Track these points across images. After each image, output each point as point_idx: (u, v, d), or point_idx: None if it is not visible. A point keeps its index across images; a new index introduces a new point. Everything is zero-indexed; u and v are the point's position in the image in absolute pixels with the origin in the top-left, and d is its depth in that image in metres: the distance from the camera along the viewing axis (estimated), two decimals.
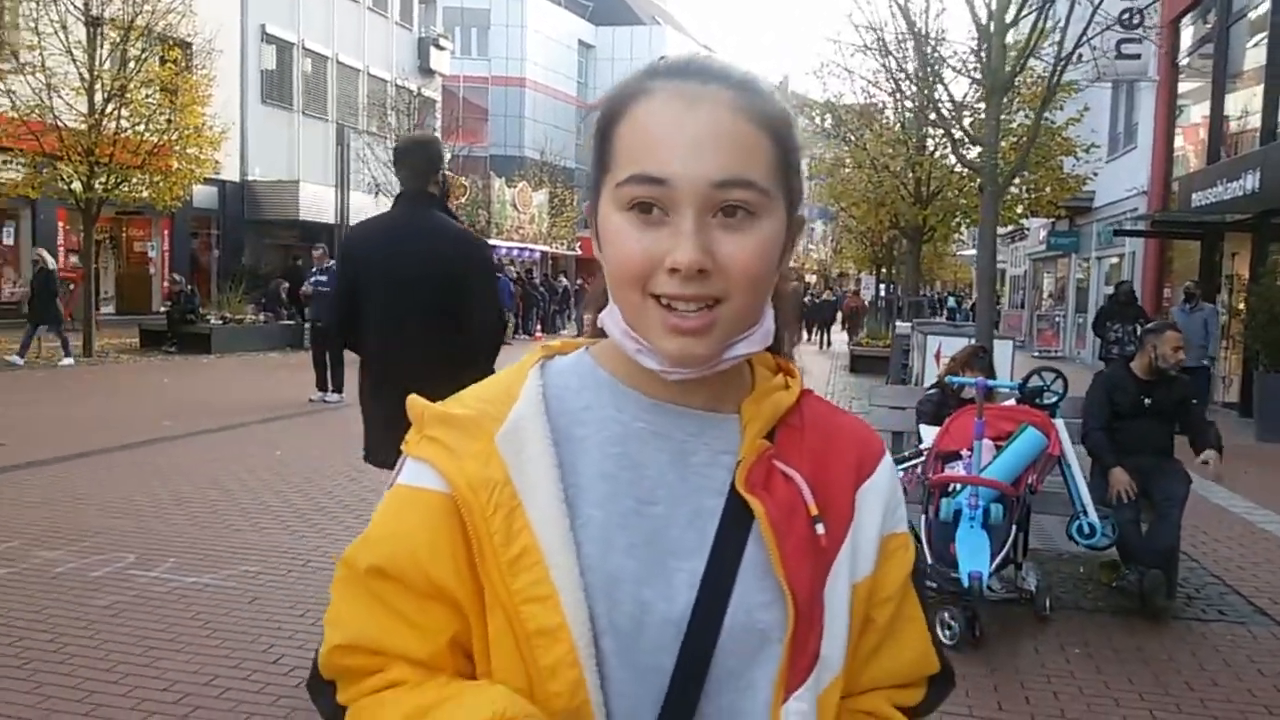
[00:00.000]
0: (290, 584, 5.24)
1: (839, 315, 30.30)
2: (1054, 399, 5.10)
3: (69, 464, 8.09)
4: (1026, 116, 12.24)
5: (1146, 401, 5.33)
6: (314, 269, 12.96)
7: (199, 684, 3.93)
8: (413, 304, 3.69)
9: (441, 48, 35.27)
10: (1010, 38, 8.12)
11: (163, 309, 22.95)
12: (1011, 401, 5.26)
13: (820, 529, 0.86)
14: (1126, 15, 17.30)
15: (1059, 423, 5.03)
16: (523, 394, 0.88)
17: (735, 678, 0.86)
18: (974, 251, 47.34)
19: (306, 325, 19.02)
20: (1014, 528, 4.69)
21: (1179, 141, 19.51)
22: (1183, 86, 19.55)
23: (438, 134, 29.63)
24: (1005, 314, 34.04)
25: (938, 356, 8.71)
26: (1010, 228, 22.98)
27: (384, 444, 3.71)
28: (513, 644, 0.82)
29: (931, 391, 5.78)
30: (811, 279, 47.34)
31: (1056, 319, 27.54)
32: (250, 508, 6.82)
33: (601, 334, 0.92)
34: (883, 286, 26.99)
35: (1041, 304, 31.49)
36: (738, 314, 0.83)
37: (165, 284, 24.46)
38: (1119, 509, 5.07)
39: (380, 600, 0.85)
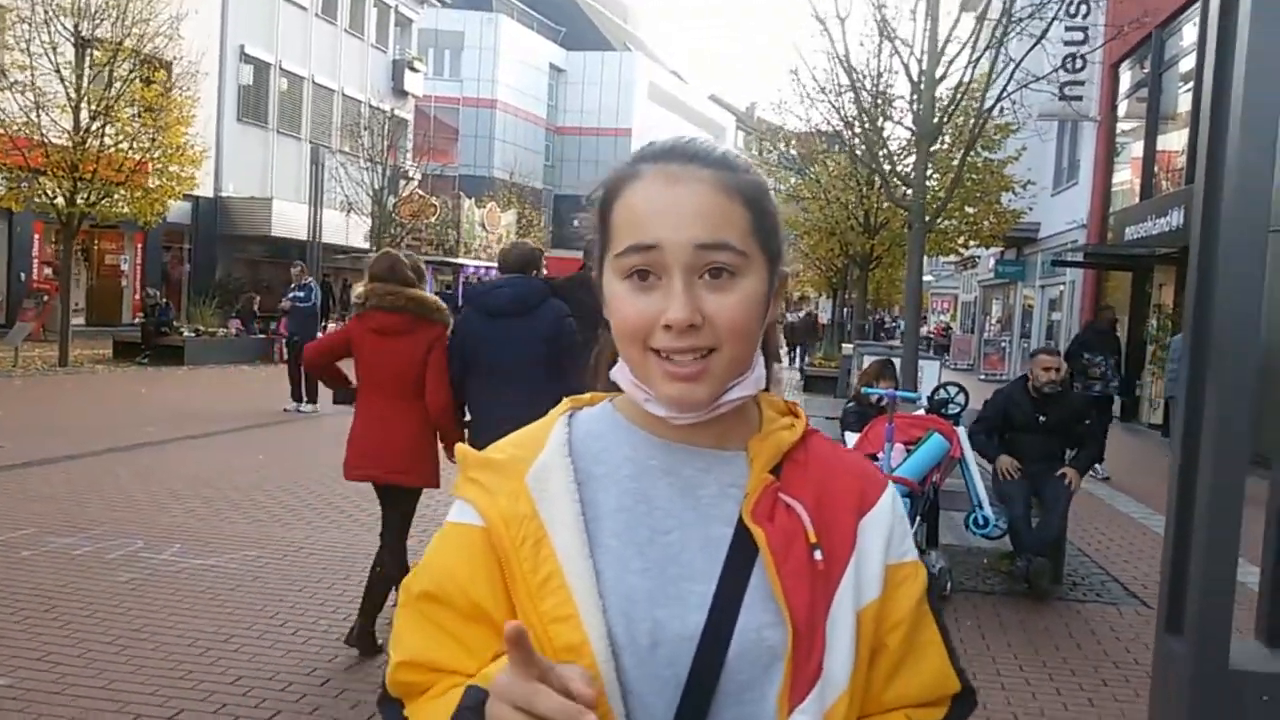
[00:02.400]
0: (286, 567, 5.90)
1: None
2: (957, 409, 5.91)
3: (65, 464, 8.67)
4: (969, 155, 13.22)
5: (1041, 419, 6.14)
6: (292, 285, 13.57)
7: (217, 641, 4.60)
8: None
9: (415, 70, 35.97)
10: (941, 90, 9.03)
11: (135, 321, 23.39)
12: (921, 411, 6.06)
13: (819, 555, 0.93)
14: (1069, 60, 18.43)
15: (960, 430, 5.83)
16: (549, 440, 0.99)
17: (745, 691, 0.92)
18: (929, 277, 48.68)
19: (282, 339, 19.65)
20: (919, 518, 5.49)
21: (1119, 177, 20.65)
22: (1123, 125, 20.70)
23: (408, 156, 30.28)
24: (956, 338, 35.22)
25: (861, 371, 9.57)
26: (953, 257, 24.08)
27: None
28: None
29: (850, 403, 6.57)
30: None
31: (1003, 344, 28.65)
32: (241, 503, 7.46)
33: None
34: (839, 310, 28.00)
35: (989, 329, 32.63)
36: (729, 362, 0.92)
37: (137, 297, 24.86)
38: (1011, 504, 5.87)
39: (431, 621, 0.94)
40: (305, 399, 13.12)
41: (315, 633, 4.81)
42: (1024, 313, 28.05)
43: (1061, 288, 23.42)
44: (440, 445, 4.57)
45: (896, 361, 9.02)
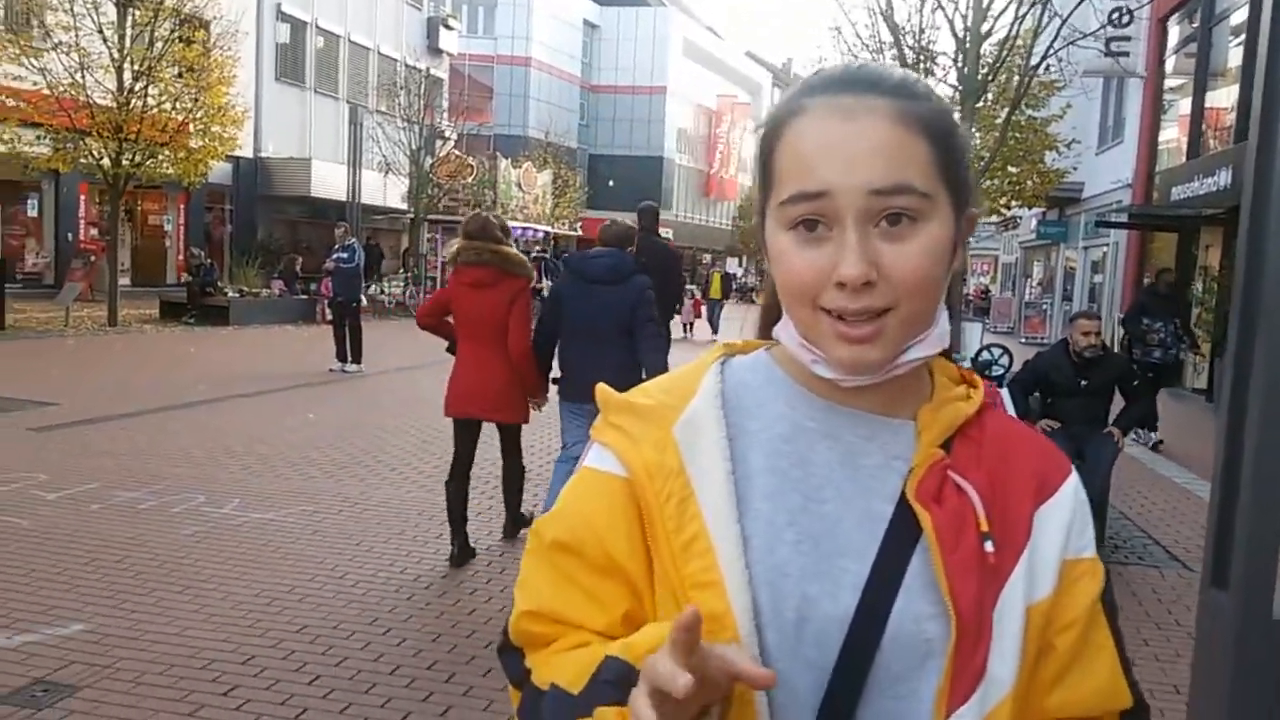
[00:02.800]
0: (343, 521, 6.08)
1: None
2: (1001, 371, 5.94)
3: (123, 420, 8.92)
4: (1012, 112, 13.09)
5: (1083, 382, 6.16)
6: (336, 246, 13.71)
7: (281, 591, 4.79)
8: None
9: (450, 28, 35.89)
10: (986, 47, 8.94)
11: (179, 281, 23.78)
12: None
13: (989, 546, 0.84)
14: (1116, 14, 18.06)
15: (1004, 392, 5.87)
16: (701, 388, 0.91)
17: (897, 684, 0.85)
18: (970, 239, 48.29)
19: (325, 299, 19.91)
20: None
21: (1165, 136, 20.29)
22: (1170, 82, 20.30)
23: (444, 115, 30.33)
24: (996, 301, 34.89)
25: None
26: (994, 218, 23.85)
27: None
28: None
29: None
30: None
31: (1044, 306, 28.38)
32: (296, 460, 7.66)
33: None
34: None
35: (1030, 292, 32.33)
36: (907, 320, 0.84)
37: (180, 257, 25.24)
38: None
39: (562, 572, 0.88)
40: (350, 359, 13.34)
41: (374, 584, 4.98)
42: (1066, 275, 27.73)
43: (1105, 249, 23.12)
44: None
45: None
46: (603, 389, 0.95)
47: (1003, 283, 39.59)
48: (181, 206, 25.92)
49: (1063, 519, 0.89)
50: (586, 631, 0.87)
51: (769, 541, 0.85)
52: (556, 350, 5.27)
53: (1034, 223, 29.92)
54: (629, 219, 6.29)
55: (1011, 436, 0.93)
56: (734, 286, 29.70)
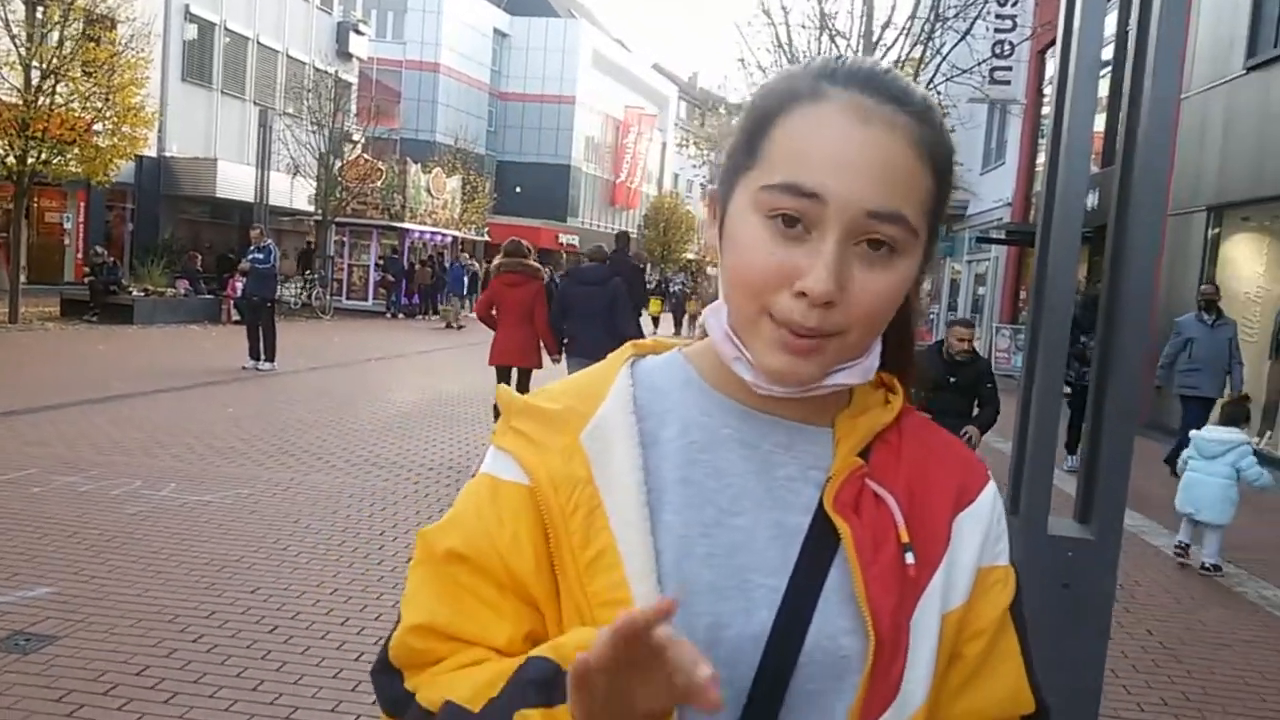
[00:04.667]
0: (279, 503, 6.51)
1: None
2: None
3: (47, 413, 9.11)
4: None
5: (951, 379, 6.96)
6: (252, 247, 13.93)
7: (230, 560, 5.24)
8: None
9: (360, 33, 35.91)
10: None
11: (76, 281, 23.39)
12: None
13: (910, 558, 0.82)
14: (999, 46, 19.40)
15: None
16: (611, 392, 0.87)
17: (813, 703, 0.81)
18: None
19: (232, 299, 19.91)
20: None
21: (1042, 159, 21.73)
22: (1046, 109, 21.77)
23: (354, 119, 30.38)
24: None
25: None
26: None
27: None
28: None
29: None
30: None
31: (931, 316, 29.87)
32: (223, 449, 8.03)
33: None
34: None
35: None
36: (849, 346, 0.80)
37: (79, 255, 24.80)
38: None
39: (458, 584, 0.83)
40: (264, 357, 13.57)
41: (315, 555, 5.46)
42: (952, 287, 29.26)
43: (987, 263, 24.59)
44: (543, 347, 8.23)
45: None
46: (503, 391, 0.91)
47: None
48: (81, 204, 25.46)
49: (981, 527, 0.87)
50: (482, 649, 0.81)
51: (680, 556, 0.81)
52: (564, 325, 8.09)
53: None
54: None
55: (931, 443, 0.90)
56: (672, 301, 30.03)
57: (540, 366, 8.25)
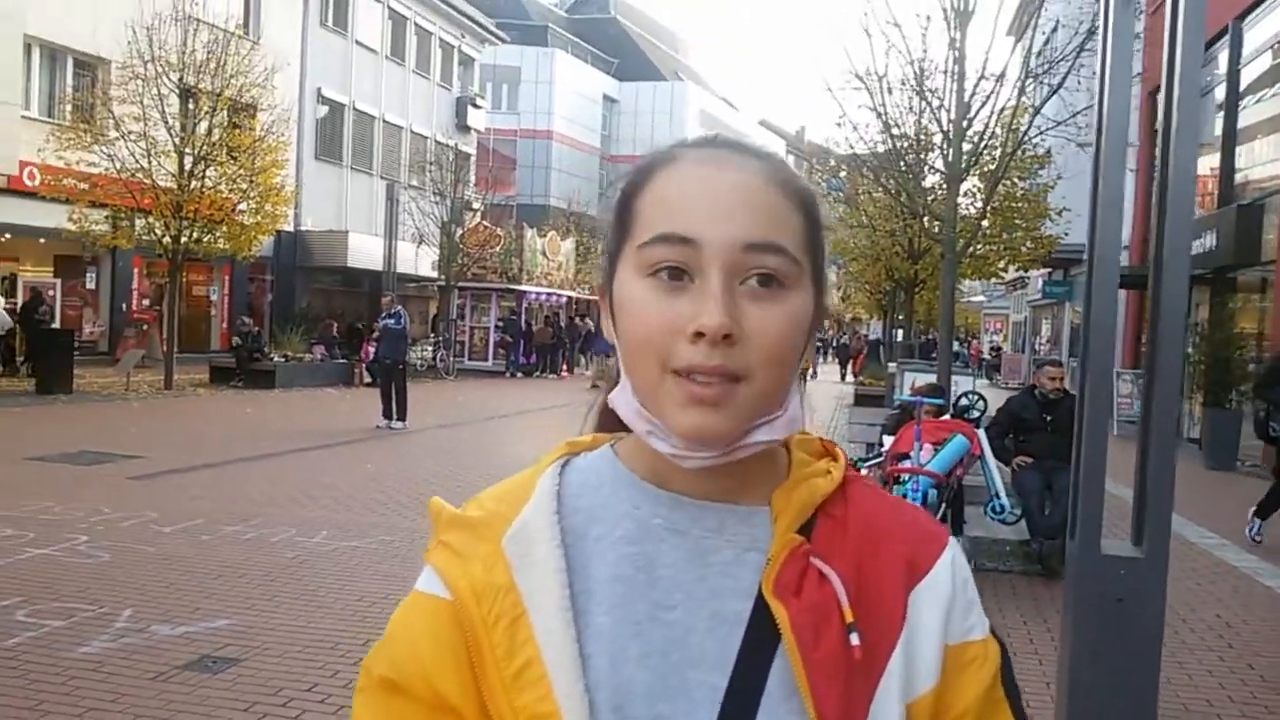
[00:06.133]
0: (419, 548, 7.10)
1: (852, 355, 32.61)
2: (977, 414, 6.98)
3: (206, 470, 10.04)
4: (1003, 186, 14.30)
5: (1048, 419, 7.18)
6: (383, 313, 14.94)
7: (378, 596, 5.84)
8: None
9: (478, 106, 37.75)
10: (970, 133, 10.19)
11: (221, 349, 25.15)
12: (947, 416, 7.14)
13: (855, 639, 0.75)
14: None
15: (980, 432, 6.90)
16: (535, 494, 0.83)
17: None
18: (981, 298, 48.99)
19: (364, 362, 21.12)
20: (945, 505, 6.57)
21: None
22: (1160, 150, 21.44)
23: (473, 188, 31.89)
24: (1006, 357, 35.93)
25: (911, 386, 10.71)
26: (994, 280, 25.22)
27: None
28: None
29: (895, 411, 7.68)
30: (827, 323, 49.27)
31: (1058, 358, 29.42)
32: (367, 501, 8.74)
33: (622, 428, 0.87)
34: (889, 331, 29.13)
35: (1039, 348, 33.36)
36: (759, 393, 0.76)
37: (224, 325, 26.64)
38: (1025, 495, 6.91)
39: (390, 713, 0.80)
40: (396, 416, 14.45)
41: None
42: (1073, 331, 28.77)
43: None
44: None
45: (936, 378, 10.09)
46: (434, 503, 0.88)
47: (1013, 340, 40.63)
48: (226, 278, 27.36)
49: (940, 600, 0.81)
50: None
51: (612, 661, 0.77)
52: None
53: (1040, 283, 31.05)
54: None
55: (880, 512, 0.84)
56: None
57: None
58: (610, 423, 0.89)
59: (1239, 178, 16.58)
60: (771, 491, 0.83)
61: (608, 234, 0.84)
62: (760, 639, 0.78)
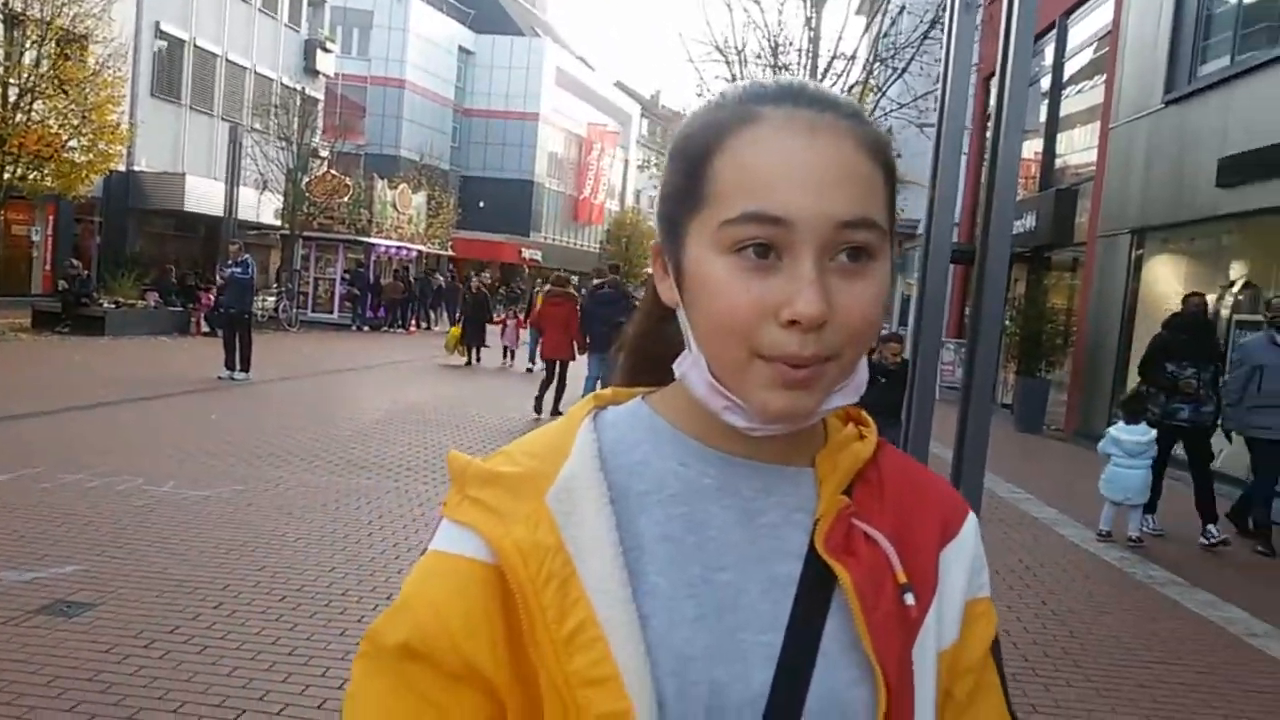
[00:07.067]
0: (272, 498, 7.14)
1: None
2: None
3: (40, 418, 9.64)
4: None
5: (882, 379, 7.72)
6: (230, 260, 14.51)
7: (236, 545, 5.87)
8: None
9: (328, 50, 36.47)
10: None
11: (44, 292, 23.72)
12: None
13: (910, 599, 0.78)
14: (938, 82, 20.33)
15: None
16: (575, 448, 0.79)
17: None
18: None
19: (203, 311, 20.37)
20: None
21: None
22: (990, 133, 22.76)
23: (320, 134, 30.90)
24: None
25: None
26: None
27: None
28: None
29: None
30: None
31: (882, 330, 30.91)
32: (214, 451, 8.62)
33: (650, 381, 0.87)
34: None
35: None
36: (844, 369, 0.75)
37: (47, 268, 25.11)
38: None
39: (407, 685, 0.75)
40: (240, 367, 14.09)
41: (311, 541, 6.09)
42: (904, 302, 30.34)
43: None
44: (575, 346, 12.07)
45: None
46: (454, 456, 0.82)
47: None
48: (50, 218, 25.75)
49: (965, 560, 0.85)
50: None
51: (669, 621, 0.75)
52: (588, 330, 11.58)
53: None
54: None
55: (910, 476, 0.87)
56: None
57: (575, 359, 12.40)
58: (643, 377, 0.89)
59: (1058, 163, 17.87)
60: (811, 454, 0.83)
61: (671, 194, 0.79)
62: (813, 597, 0.78)
